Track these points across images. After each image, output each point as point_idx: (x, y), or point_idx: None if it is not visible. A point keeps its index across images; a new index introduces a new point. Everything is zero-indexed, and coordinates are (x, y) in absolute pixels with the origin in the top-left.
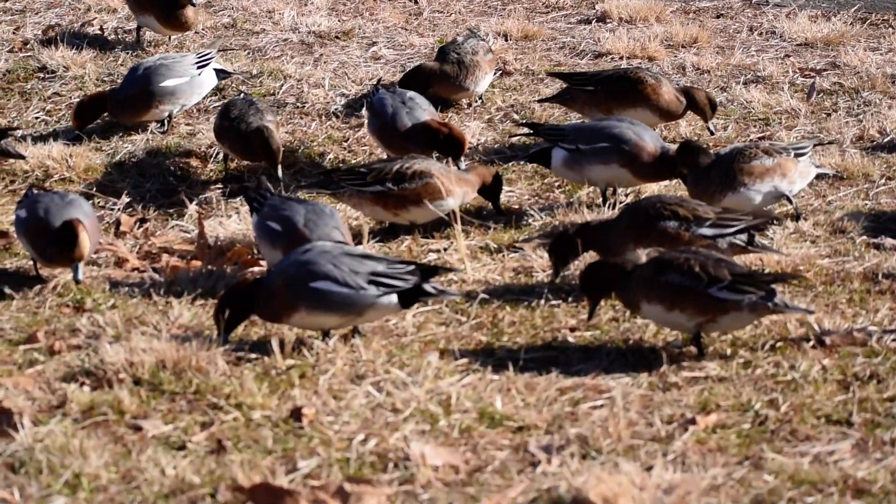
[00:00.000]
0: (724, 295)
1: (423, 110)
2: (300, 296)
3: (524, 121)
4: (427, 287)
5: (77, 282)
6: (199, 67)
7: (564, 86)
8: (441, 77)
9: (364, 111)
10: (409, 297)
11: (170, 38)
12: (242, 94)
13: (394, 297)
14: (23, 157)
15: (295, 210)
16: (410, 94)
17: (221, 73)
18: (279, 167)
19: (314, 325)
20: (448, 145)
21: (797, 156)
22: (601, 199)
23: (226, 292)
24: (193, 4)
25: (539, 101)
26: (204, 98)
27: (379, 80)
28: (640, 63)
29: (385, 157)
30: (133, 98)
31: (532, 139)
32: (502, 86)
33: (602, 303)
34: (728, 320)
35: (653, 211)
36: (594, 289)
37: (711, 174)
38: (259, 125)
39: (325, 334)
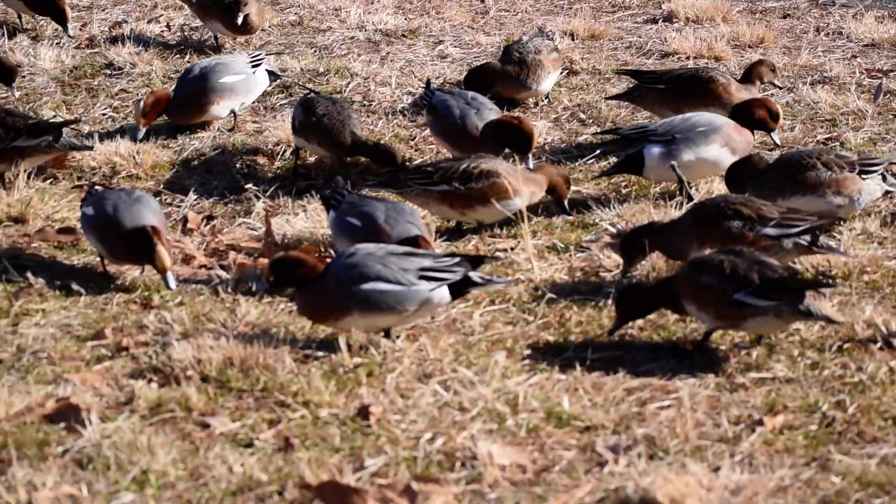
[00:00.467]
0: (749, 300)
1: (490, 110)
2: (352, 298)
3: (604, 129)
4: (474, 276)
5: (170, 289)
6: (252, 67)
7: (632, 84)
8: (503, 76)
9: (425, 114)
10: (457, 289)
11: (235, 39)
12: (311, 92)
13: (445, 290)
14: (90, 149)
15: (375, 206)
16: (472, 94)
17: (272, 76)
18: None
19: (366, 325)
20: (518, 138)
21: (863, 173)
22: (683, 194)
23: (281, 258)
24: (242, 13)
25: (608, 98)
26: (269, 96)
27: (428, 82)
28: (706, 63)
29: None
30: (190, 97)
31: (594, 139)
32: (569, 85)
33: None
34: (752, 324)
35: (717, 210)
36: (627, 310)
37: (769, 177)
38: (351, 125)
39: (387, 333)
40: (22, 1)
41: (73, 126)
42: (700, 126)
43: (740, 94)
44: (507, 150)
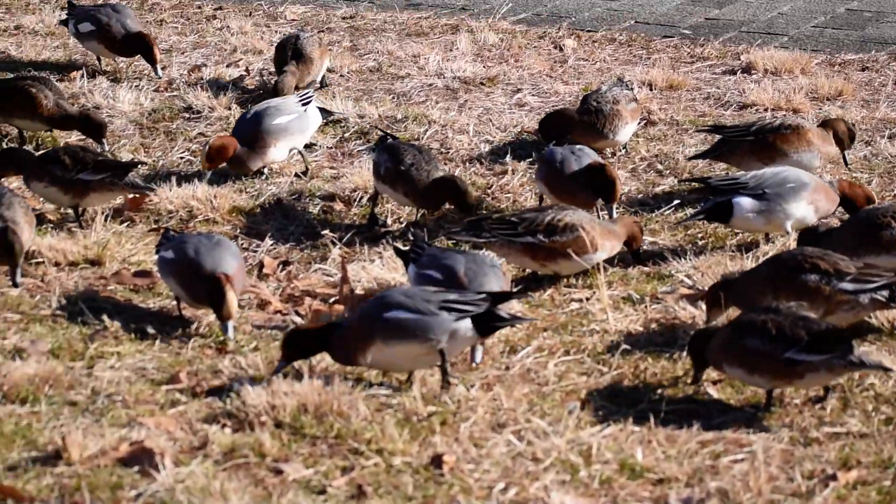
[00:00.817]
0: (801, 357)
1: (591, 158)
2: (375, 327)
3: (692, 177)
4: (500, 312)
5: (228, 338)
6: (303, 105)
7: (714, 139)
8: (578, 124)
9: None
10: (484, 325)
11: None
12: (388, 136)
13: (468, 322)
14: (152, 190)
15: (455, 259)
16: (579, 146)
17: (324, 112)
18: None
19: (393, 358)
20: (603, 186)
21: None
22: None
23: (295, 330)
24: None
25: (691, 158)
26: (347, 142)
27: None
28: (783, 114)
29: (537, 204)
30: (247, 141)
31: (680, 187)
32: (646, 135)
33: None
34: (807, 381)
35: (794, 263)
36: (696, 355)
37: (843, 235)
38: (443, 175)
39: (409, 378)
40: (105, 45)
41: (139, 167)
42: (790, 182)
43: (827, 139)
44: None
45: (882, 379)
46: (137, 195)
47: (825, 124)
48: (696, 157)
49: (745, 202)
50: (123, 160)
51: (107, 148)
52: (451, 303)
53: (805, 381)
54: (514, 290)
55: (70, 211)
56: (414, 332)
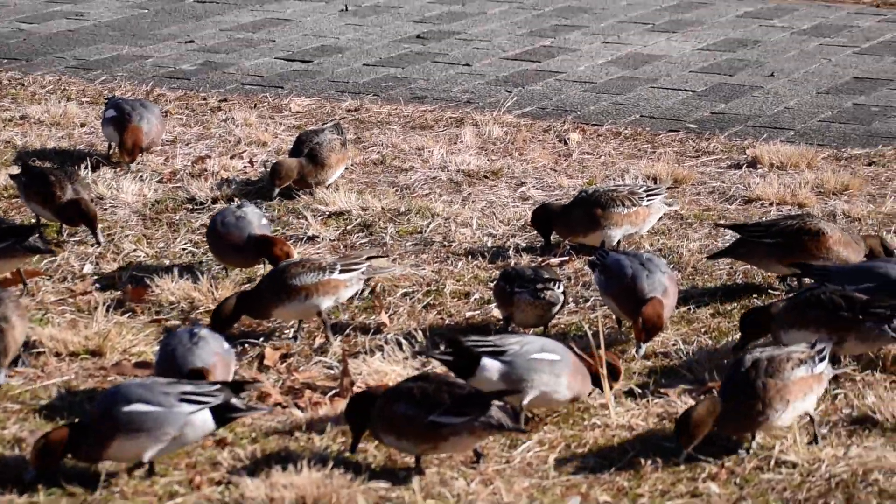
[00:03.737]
0: (443, 419)
1: (663, 273)
2: (117, 422)
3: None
4: (236, 402)
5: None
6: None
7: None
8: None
9: (596, 273)
10: (221, 414)
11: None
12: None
13: (207, 413)
14: (53, 253)
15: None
16: (647, 254)
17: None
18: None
19: (134, 451)
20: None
21: None
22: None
23: (42, 442)
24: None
25: (710, 257)
26: (349, 234)
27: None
28: (789, 209)
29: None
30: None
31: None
32: (651, 230)
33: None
34: (451, 444)
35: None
36: (354, 420)
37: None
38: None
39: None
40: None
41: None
42: (872, 280)
43: (849, 245)
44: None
45: (886, 475)
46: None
47: (864, 239)
48: (713, 256)
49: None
50: (22, 225)
51: (102, 241)
52: (190, 394)
53: (450, 444)
54: (252, 380)
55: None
56: (156, 426)
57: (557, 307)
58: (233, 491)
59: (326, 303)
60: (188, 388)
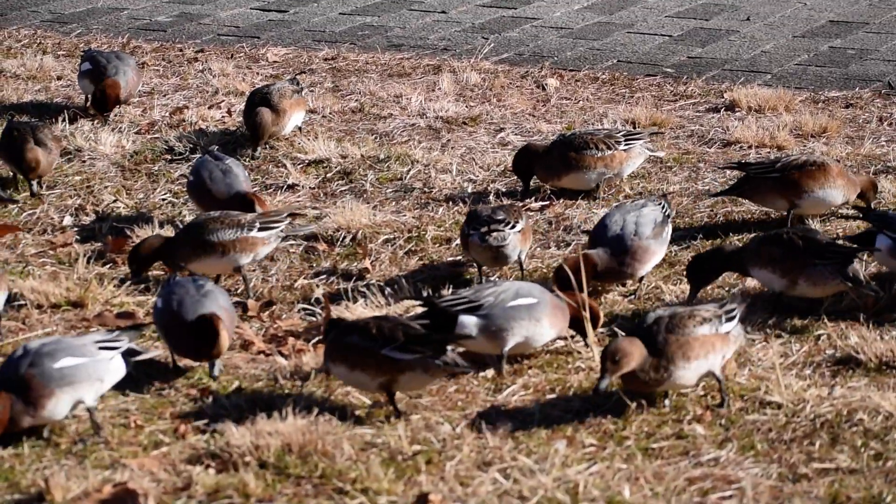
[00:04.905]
0: (396, 355)
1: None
2: (50, 378)
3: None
4: (136, 347)
5: (213, 378)
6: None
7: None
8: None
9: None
10: (127, 357)
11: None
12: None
13: (119, 359)
14: (15, 202)
15: None
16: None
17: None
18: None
19: (70, 404)
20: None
21: None
22: None
23: None
24: None
25: (714, 195)
26: (330, 182)
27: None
28: (768, 152)
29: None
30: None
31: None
32: (630, 174)
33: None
34: (407, 379)
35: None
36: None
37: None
38: None
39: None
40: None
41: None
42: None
43: (848, 184)
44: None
45: (871, 414)
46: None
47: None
48: (719, 194)
49: (883, 243)
50: None
51: (35, 190)
52: (104, 342)
53: (405, 380)
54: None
55: None
56: (86, 376)
57: (512, 248)
58: (218, 439)
59: (244, 260)
60: (100, 336)
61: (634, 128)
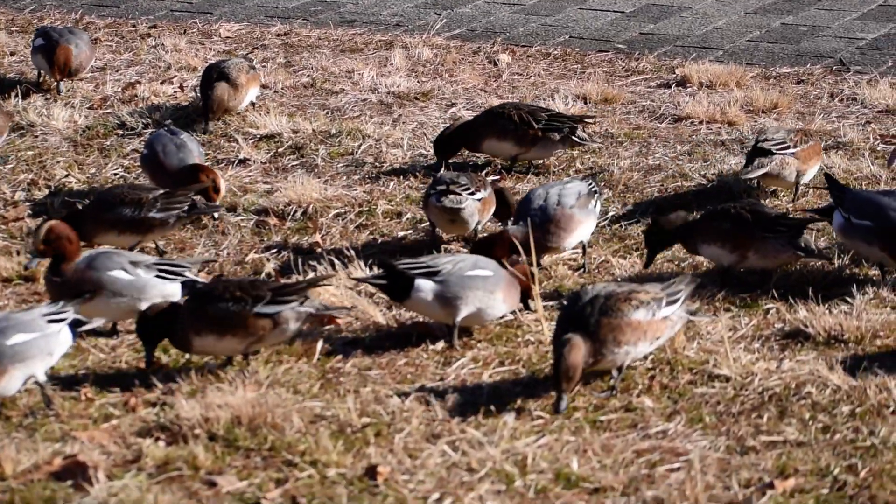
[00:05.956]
0: (267, 310)
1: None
2: (3, 356)
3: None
4: (80, 317)
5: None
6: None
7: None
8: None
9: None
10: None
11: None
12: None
13: (67, 330)
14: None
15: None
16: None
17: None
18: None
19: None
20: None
21: None
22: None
23: None
24: None
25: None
26: (281, 157)
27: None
28: (719, 128)
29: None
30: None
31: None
32: (581, 148)
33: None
34: (277, 333)
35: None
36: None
37: None
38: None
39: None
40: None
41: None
42: (869, 219)
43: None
44: None
45: (819, 387)
46: None
47: None
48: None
49: (837, 220)
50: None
51: None
52: (50, 314)
53: (278, 332)
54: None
55: None
56: (39, 349)
57: (469, 214)
58: (168, 412)
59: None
60: (46, 309)
61: (586, 103)
